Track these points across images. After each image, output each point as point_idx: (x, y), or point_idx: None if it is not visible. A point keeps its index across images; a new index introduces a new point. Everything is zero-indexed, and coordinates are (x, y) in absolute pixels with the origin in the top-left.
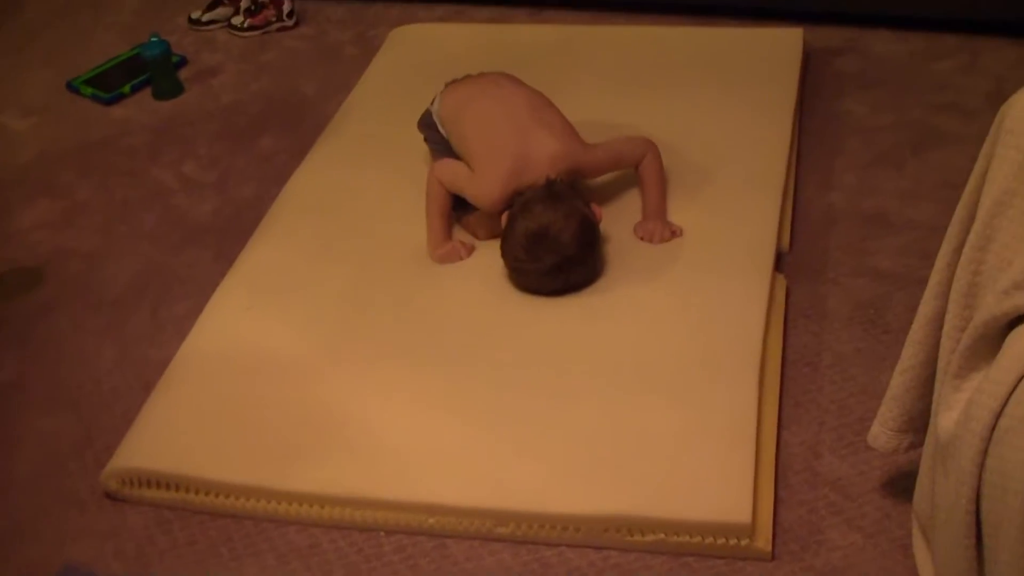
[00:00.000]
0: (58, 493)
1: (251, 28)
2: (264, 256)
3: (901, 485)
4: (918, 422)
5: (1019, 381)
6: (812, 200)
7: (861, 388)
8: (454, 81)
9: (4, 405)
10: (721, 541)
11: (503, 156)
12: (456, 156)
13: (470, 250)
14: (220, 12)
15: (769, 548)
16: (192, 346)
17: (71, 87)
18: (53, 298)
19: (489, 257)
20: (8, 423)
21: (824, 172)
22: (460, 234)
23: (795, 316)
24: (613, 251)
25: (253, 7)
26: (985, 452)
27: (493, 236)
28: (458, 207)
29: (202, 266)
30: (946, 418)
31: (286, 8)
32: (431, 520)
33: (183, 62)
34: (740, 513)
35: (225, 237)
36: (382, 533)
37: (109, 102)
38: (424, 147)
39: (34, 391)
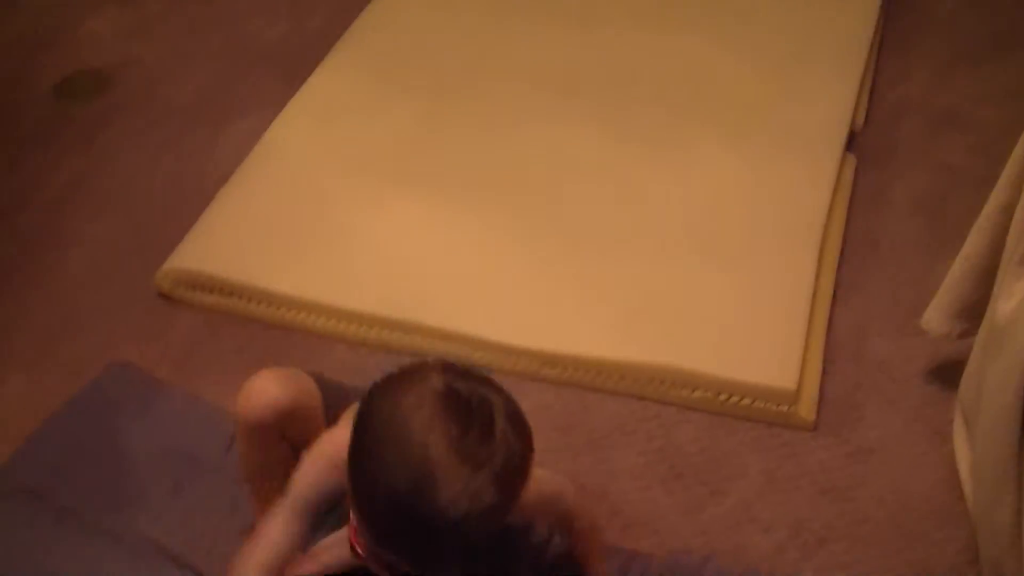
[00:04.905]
0: (109, 293)
1: None
2: (332, 83)
3: (944, 374)
4: (970, 312)
5: None
6: (886, 90)
7: (915, 277)
8: None
9: (61, 205)
10: (765, 405)
11: None
12: None
13: None
14: None
15: (812, 417)
16: (254, 162)
17: None
18: (117, 105)
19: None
20: (64, 223)
21: (902, 64)
22: None
23: (859, 199)
24: (690, 105)
25: None
26: None
27: None
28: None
29: (267, 88)
30: (1005, 304)
31: None
32: (478, 354)
33: None
34: (787, 379)
35: (292, 62)
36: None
37: None
38: None
39: (92, 194)
